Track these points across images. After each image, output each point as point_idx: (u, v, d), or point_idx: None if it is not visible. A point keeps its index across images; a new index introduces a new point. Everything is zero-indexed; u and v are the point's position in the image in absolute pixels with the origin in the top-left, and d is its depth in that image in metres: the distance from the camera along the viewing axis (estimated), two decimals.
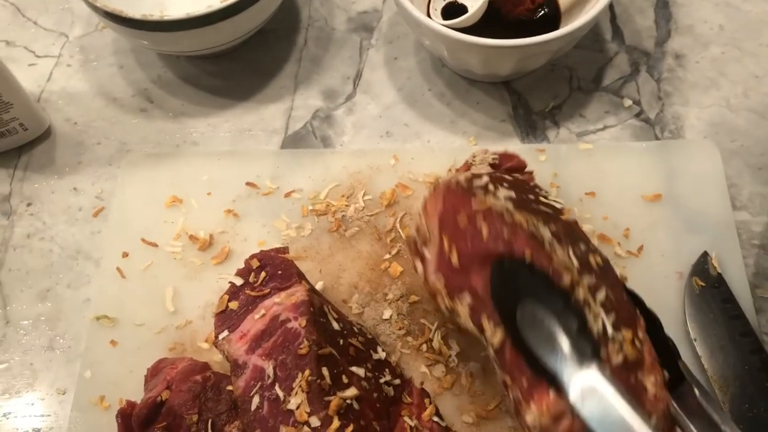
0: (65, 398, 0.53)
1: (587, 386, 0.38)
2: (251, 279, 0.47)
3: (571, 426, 0.37)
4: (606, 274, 0.42)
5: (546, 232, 0.42)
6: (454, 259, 0.43)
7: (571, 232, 0.44)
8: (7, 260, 0.59)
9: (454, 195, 0.45)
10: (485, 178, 0.45)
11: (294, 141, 0.64)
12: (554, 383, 0.38)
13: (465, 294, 0.43)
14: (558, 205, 0.47)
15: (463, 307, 0.43)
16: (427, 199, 0.46)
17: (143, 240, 0.58)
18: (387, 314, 0.53)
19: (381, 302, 0.54)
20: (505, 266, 0.42)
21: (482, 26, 0.63)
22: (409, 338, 0.52)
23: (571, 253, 0.41)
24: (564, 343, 0.39)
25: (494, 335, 0.41)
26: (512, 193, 0.44)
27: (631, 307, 0.41)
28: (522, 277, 0.41)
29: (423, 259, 0.46)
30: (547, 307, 0.40)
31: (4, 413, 0.53)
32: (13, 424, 0.52)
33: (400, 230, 0.57)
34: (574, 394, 0.38)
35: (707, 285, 0.53)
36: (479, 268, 0.42)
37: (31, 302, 0.57)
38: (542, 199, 0.47)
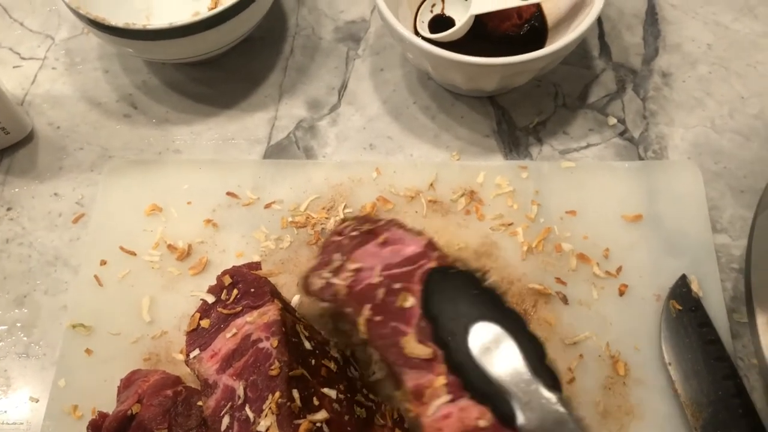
0: (38, 407, 0.52)
1: None
2: (223, 296, 0.47)
3: None
4: None
5: None
6: None
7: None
8: None
9: None
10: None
11: (277, 151, 0.64)
12: None
13: None
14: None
15: None
16: None
17: (122, 248, 0.57)
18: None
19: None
20: None
21: (469, 40, 0.63)
22: None
23: None
24: None
25: None
26: None
27: None
28: None
29: None
30: None
31: None
32: None
33: None
34: None
35: (684, 309, 0.52)
36: None
37: (7, 308, 0.57)
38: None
